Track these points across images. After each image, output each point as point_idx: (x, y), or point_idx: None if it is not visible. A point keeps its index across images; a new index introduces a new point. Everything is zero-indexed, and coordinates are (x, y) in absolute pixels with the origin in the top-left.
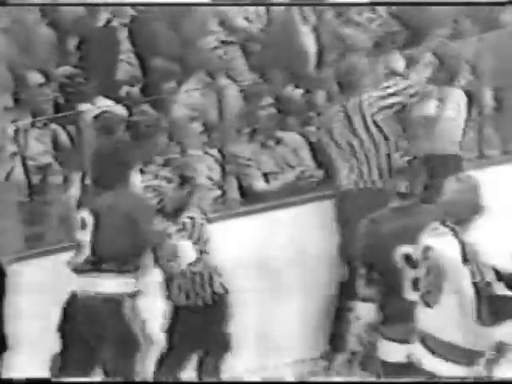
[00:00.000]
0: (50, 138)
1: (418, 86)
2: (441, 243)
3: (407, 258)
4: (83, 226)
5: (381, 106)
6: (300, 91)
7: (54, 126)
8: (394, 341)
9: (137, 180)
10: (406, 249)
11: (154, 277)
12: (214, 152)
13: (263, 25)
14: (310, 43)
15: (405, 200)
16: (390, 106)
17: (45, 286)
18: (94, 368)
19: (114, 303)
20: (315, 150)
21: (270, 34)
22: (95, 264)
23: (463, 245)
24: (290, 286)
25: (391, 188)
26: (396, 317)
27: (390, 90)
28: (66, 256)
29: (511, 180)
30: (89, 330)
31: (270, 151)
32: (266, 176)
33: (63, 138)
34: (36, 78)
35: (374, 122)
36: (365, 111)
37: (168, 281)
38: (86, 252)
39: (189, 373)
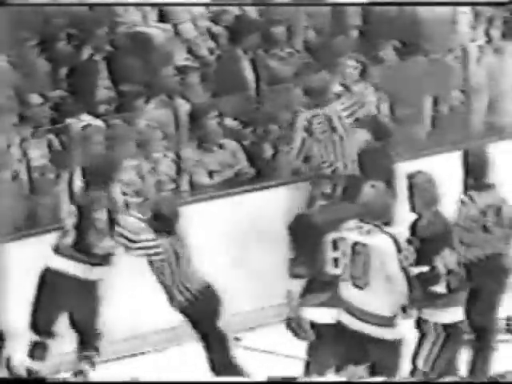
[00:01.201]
0: (46, 144)
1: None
2: (373, 239)
3: (333, 242)
4: (70, 214)
5: (349, 113)
6: (235, 123)
7: (49, 135)
8: (321, 306)
9: (117, 189)
10: (333, 235)
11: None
12: (172, 155)
13: (217, 55)
14: (248, 73)
15: (328, 200)
16: (353, 113)
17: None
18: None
19: (87, 285)
20: (249, 152)
21: (220, 63)
22: (77, 251)
23: (394, 238)
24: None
25: (318, 190)
26: (321, 287)
27: (349, 103)
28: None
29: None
30: (59, 300)
31: (214, 154)
32: (210, 173)
33: (56, 144)
34: (36, 99)
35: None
36: (341, 114)
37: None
38: (71, 237)
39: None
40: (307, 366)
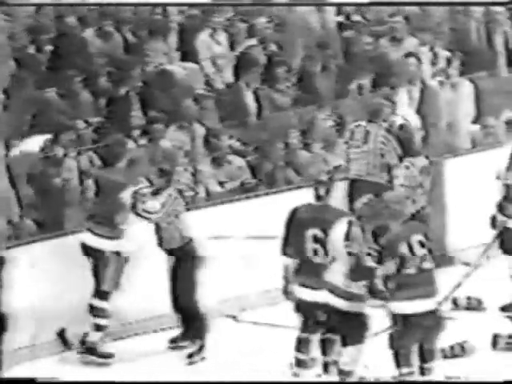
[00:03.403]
0: (88, 160)
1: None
2: (335, 229)
3: (314, 237)
4: (88, 191)
5: (387, 138)
6: (239, 144)
7: (90, 153)
8: (306, 287)
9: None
10: (314, 231)
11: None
12: (190, 168)
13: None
14: (251, 102)
15: (319, 200)
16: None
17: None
18: None
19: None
20: (252, 167)
21: (228, 94)
22: (92, 222)
23: (349, 228)
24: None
25: (317, 192)
26: (307, 271)
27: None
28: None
29: None
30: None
31: (224, 168)
32: (221, 183)
33: (97, 161)
34: (81, 124)
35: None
36: (378, 136)
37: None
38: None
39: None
40: (299, 341)
